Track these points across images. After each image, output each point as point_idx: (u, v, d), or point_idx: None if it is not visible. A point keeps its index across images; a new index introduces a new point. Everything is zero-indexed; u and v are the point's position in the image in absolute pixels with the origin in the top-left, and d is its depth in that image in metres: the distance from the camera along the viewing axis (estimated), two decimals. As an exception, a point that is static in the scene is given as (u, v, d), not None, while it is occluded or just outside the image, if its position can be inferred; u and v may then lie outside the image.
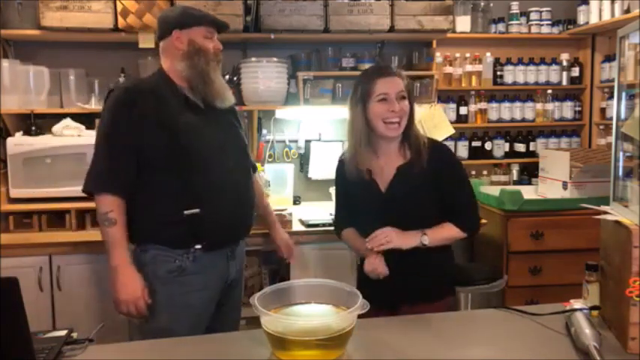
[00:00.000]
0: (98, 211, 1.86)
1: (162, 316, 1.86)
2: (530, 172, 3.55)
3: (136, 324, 1.91)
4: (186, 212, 1.84)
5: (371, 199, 1.86)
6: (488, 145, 3.53)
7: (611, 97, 3.37)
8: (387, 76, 1.79)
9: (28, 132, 2.83)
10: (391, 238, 1.74)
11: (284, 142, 3.42)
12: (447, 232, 1.82)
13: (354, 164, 1.86)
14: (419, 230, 1.77)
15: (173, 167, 1.86)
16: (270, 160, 3.38)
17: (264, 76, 3.02)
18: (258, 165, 2.66)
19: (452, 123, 3.31)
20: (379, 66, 2.57)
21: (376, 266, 1.76)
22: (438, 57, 3.40)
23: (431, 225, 1.80)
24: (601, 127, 3.53)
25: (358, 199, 1.91)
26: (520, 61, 3.54)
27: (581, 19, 3.44)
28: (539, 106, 3.55)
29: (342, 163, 1.95)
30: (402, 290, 1.81)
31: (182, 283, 1.87)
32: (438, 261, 1.86)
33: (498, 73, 3.51)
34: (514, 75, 3.53)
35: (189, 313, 1.88)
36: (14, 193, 2.76)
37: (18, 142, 2.76)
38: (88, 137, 2.79)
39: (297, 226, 2.82)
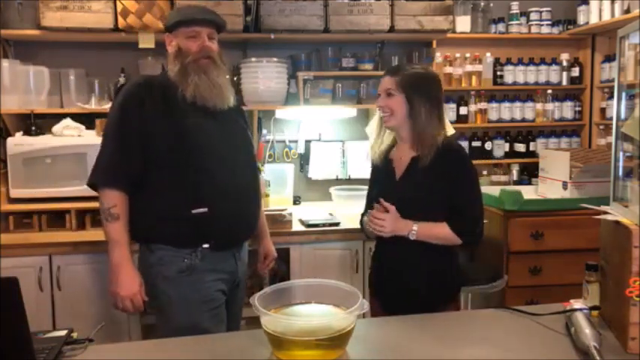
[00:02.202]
0: (101, 205, 1.85)
1: (182, 315, 1.85)
2: (530, 172, 3.55)
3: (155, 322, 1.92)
4: (194, 211, 1.83)
5: (387, 185, 1.93)
6: (488, 145, 3.53)
7: (611, 97, 3.36)
8: (383, 75, 1.95)
9: (28, 132, 2.83)
10: (384, 227, 1.81)
11: (284, 142, 3.42)
12: (438, 231, 1.82)
13: (379, 152, 2.00)
14: (413, 222, 1.81)
15: (179, 166, 1.85)
16: (270, 160, 3.38)
17: (264, 76, 3.02)
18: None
19: (452, 123, 3.30)
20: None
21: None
22: (438, 57, 3.40)
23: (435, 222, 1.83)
24: (601, 127, 3.53)
25: (380, 185, 1.99)
26: (520, 61, 3.54)
27: (581, 19, 3.44)
28: (539, 106, 3.55)
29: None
30: (400, 294, 1.87)
31: (195, 281, 1.86)
32: (436, 266, 1.87)
33: (498, 73, 3.52)
34: (514, 75, 3.53)
35: (209, 307, 1.87)
36: (14, 193, 2.76)
37: (18, 142, 2.76)
38: (88, 137, 2.80)
39: (297, 226, 2.83)
